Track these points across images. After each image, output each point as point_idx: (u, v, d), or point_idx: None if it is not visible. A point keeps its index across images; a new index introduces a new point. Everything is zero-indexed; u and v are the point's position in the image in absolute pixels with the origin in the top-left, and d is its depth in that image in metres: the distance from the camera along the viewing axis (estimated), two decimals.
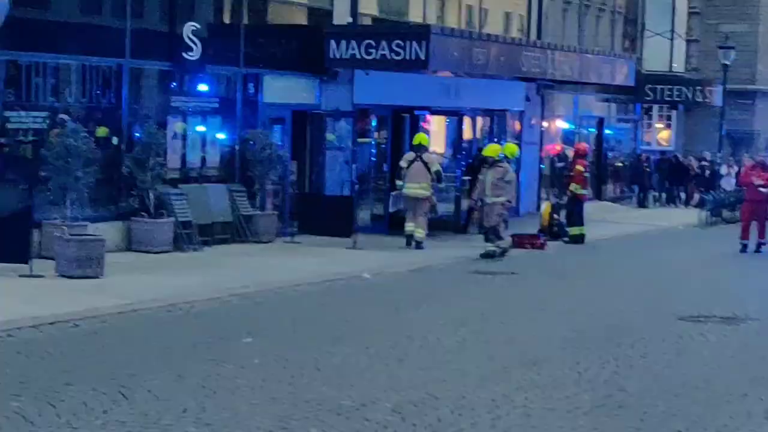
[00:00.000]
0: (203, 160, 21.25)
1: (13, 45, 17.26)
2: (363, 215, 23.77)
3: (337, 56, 22.67)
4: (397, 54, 22.14)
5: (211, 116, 21.35)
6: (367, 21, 25.36)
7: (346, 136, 24.26)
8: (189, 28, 19.77)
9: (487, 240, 21.53)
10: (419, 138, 22.72)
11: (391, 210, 23.29)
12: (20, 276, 15.46)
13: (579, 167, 25.26)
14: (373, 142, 25.61)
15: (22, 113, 17.75)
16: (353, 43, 22.49)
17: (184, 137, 20.68)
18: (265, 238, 21.15)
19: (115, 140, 19.28)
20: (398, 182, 22.16)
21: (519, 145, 30.72)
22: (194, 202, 20.05)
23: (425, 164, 21.95)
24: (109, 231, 18.01)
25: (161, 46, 19.94)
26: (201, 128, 21.12)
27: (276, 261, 19.21)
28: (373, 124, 25.51)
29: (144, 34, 19.69)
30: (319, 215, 21.98)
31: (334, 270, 18.23)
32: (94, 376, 10.10)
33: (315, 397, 9.66)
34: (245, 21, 22.02)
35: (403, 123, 25.92)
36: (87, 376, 10.13)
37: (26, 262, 15.58)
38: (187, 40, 19.75)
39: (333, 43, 22.62)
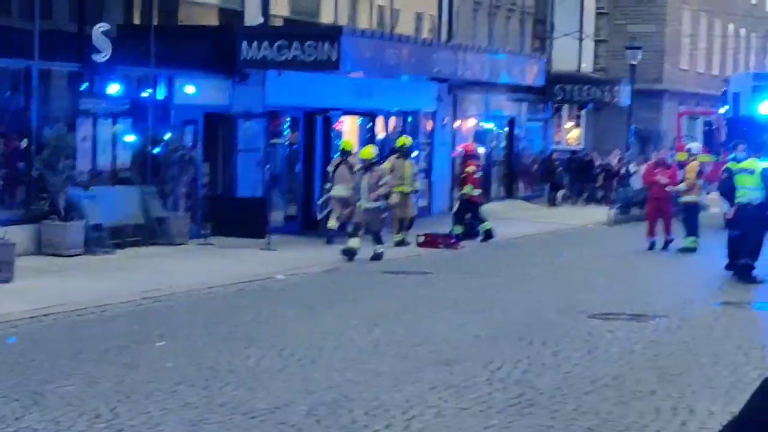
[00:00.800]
0: (114, 162, 21.08)
1: None
2: (276, 216, 23.75)
3: (249, 57, 22.59)
4: (309, 55, 22.15)
5: (122, 118, 21.19)
6: (279, 22, 25.32)
7: (259, 137, 24.20)
8: (99, 29, 19.59)
9: (351, 236, 20.71)
10: (344, 144, 23.45)
11: (320, 215, 23.47)
12: None
13: (470, 168, 25.28)
14: (285, 144, 25.59)
15: None
16: (265, 43, 22.44)
17: (95, 139, 20.51)
18: (178, 240, 21.04)
19: (24, 142, 19.05)
20: (327, 185, 22.86)
21: (431, 145, 31.02)
22: (106, 205, 19.88)
23: (350, 168, 22.19)
24: (19, 234, 17.79)
25: (70, 47, 19.75)
26: (112, 130, 20.94)
27: (189, 263, 19.13)
28: (286, 125, 25.49)
29: (53, 36, 19.49)
30: (232, 217, 21.92)
31: (248, 271, 18.20)
32: (5, 383, 9.99)
33: (229, 401, 9.66)
34: (156, 22, 21.88)
35: (315, 124, 25.94)
36: None
37: None
38: (96, 42, 19.56)
39: (244, 43, 22.54)
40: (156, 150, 21.50)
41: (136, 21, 22.05)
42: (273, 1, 24.61)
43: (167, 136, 21.53)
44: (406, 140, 24.12)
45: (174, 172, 21.49)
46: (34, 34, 19.03)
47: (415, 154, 24.73)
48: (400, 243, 22.76)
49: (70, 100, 20.32)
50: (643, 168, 36.57)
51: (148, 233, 20.87)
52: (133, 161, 21.47)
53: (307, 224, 25.28)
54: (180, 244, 21.00)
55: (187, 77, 22.28)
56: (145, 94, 21.66)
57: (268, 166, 24.07)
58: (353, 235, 20.77)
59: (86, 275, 16.96)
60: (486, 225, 24.88)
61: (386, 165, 22.60)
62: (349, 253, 20.40)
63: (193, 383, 10.28)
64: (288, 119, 25.46)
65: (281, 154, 25.38)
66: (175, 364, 11.05)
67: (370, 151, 21.77)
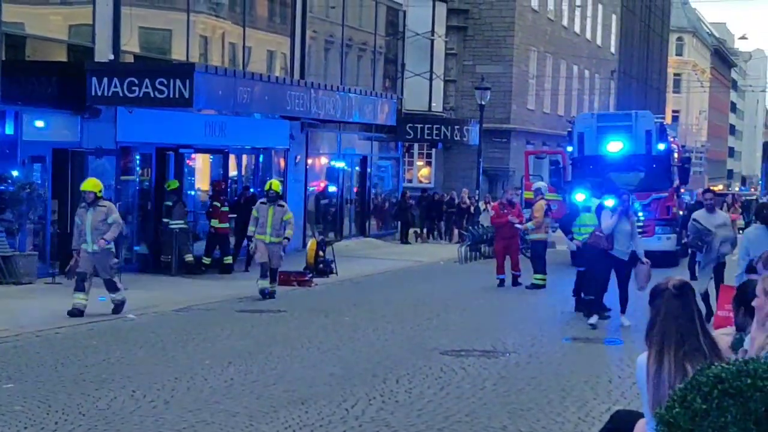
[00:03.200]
0: None
1: None
2: (126, 254, 23.45)
3: (99, 93, 22.35)
4: (161, 92, 22.02)
5: None
6: (130, 58, 25.10)
7: (110, 173, 23.89)
8: None
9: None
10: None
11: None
12: None
13: (217, 203, 25.95)
14: (137, 180, 25.33)
15: None
16: (115, 80, 22.23)
17: None
18: (25, 279, 20.64)
19: None
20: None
21: (283, 182, 31.01)
22: None
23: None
24: None
25: None
26: None
27: (37, 302, 18.75)
28: (137, 161, 25.24)
29: None
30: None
31: (98, 310, 17.91)
32: None
33: None
34: (2, 57, 21.47)
35: (167, 161, 25.75)
36: None
37: None
38: None
39: (94, 80, 22.30)
40: (2, 187, 21.04)
41: None
42: (123, 38, 24.38)
43: (15, 173, 21.10)
44: (273, 184, 21.82)
45: (22, 210, 21.07)
46: None
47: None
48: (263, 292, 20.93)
49: None
50: (490, 207, 37.33)
51: None
52: None
53: (157, 262, 25.02)
54: (27, 283, 20.60)
55: (35, 113, 21.90)
56: None
57: (118, 203, 23.74)
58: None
59: None
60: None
61: (253, 212, 21.29)
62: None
63: (42, 426, 10.07)
64: (139, 156, 25.22)
65: (132, 191, 25.10)
66: (24, 407, 10.82)
67: (93, 183, 18.00)
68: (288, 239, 21.66)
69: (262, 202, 21.57)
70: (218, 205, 25.94)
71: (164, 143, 25.24)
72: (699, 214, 18.53)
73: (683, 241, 25.68)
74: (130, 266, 23.15)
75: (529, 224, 24.32)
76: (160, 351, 14.71)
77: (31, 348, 14.68)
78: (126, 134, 23.98)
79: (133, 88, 22.25)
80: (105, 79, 22.31)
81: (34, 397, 11.33)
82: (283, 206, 21.43)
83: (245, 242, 23.74)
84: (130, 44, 25.17)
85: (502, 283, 24.27)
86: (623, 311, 17.92)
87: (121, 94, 22.32)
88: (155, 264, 24.92)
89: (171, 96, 22.12)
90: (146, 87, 22.15)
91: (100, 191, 17.77)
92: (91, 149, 23.25)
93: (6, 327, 15.83)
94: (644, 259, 17.79)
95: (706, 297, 16.83)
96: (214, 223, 25.74)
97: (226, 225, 26.05)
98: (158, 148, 25.39)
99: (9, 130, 21.48)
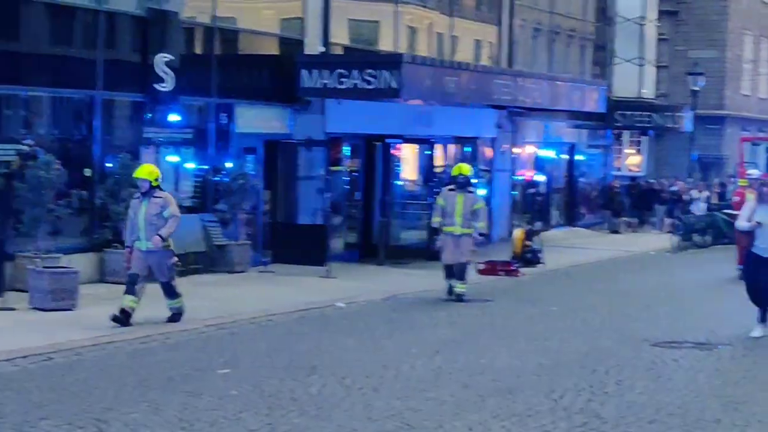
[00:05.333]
0: (176, 190, 21.24)
1: None
2: (336, 244, 23.81)
3: (309, 86, 22.76)
4: (369, 83, 22.25)
5: (184, 147, 21.38)
6: (339, 50, 25.45)
7: (319, 164, 24.30)
8: (161, 59, 19.79)
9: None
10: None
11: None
12: None
13: None
14: (345, 171, 25.68)
15: None
16: (325, 72, 22.58)
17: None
18: (238, 268, 21.15)
19: (87, 172, 19.25)
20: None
21: (490, 172, 30.97)
22: None
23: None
24: (82, 262, 17.97)
25: (134, 77, 19.95)
26: (174, 159, 21.13)
27: (250, 291, 19.22)
28: (346, 152, 25.58)
29: (116, 66, 19.70)
30: (293, 244, 21.99)
31: (308, 299, 18.25)
32: (69, 410, 10.07)
33: (292, 429, 9.66)
34: (217, 51, 22.07)
35: (375, 151, 26.01)
36: (62, 410, 10.10)
37: (0, 296, 15.52)
38: (159, 72, 19.76)
39: (305, 72, 22.71)
40: (217, 178, 21.65)
41: (198, 51, 22.25)
42: (333, 30, 24.74)
43: (228, 164, 21.67)
44: (462, 168, 19.79)
45: (235, 200, 21.62)
46: (97, 65, 19.27)
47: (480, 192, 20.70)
48: (453, 293, 19.07)
49: (133, 130, 20.53)
50: (705, 194, 36.30)
51: (209, 261, 21.01)
52: (194, 189, 21.62)
53: (366, 251, 25.32)
54: (240, 272, 21.11)
55: (248, 106, 22.45)
56: (207, 123, 21.84)
57: (328, 193, 24.15)
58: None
59: (148, 303, 17.04)
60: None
61: (438, 200, 19.43)
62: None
63: (256, 411, 10.30)
64: (348, 146, 25.55)
65: (341, 181, 25.47)
66: (239, 392, 11.08)
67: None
68: (482, 234, 19.66)
69: (450, 189, 19.33)
70: None
71: (371, 133, 25.49)
72: None
73: None
74: (339, 256, 23.49)
75: None
76: (368, 339, 14.87)
77: (245, 335, 15.04)
78: (335, 125, 24.33)
79: (342, 79, 22.55)
80: (315, 71, 22.70)
81: (248, 382, 11.60)
82: (472, 192, 19.42)
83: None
84: (339, 36, 25.52)
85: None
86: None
87: (330, 86, 22.67)
88: (365, 253, 25.22)
89: (379, 87, 22.32)
90: (355, 78, 22.42)
91: (157, 179, 15.25)
92: (301, 140, 23.68)
93: (221, 314, 16.27)
94: None
95: None
96: None
97: None
98: (366, 138, 25.67)
99: (224, 122, 22.07)
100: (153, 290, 15.37)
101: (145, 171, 15.31)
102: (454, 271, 19.02)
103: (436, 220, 19.24)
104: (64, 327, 14.41)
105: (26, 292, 16.17)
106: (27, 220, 17.13)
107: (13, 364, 12.20)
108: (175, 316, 15.45)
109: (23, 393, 10.85)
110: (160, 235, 15.00)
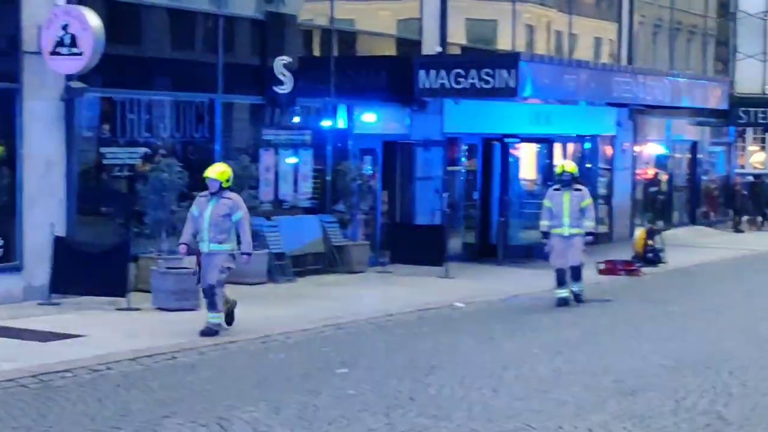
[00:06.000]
0: (295, 191, 21.43)
1: (108, 82, 17.61)
2: (454, 244, 23.78)
3: (427, 86, 22.78)
4: (487, 82, 22.18)
5: (302, 148, 21.54)
6: (456, 50, 25.42)
7: (436, 164, 24.30)
8: (280, 62, 19.98)
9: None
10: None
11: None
12: (117, 309, 15.72)
13: None
14: (463, 170, 25.64)
15: (118, 149, 18.08)
16: (442, 72, 22.58)
17: (276, 169, 20.90)
18: (357, 268, 21.25)
19: None
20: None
21: (611, 170, 30.60)
22: (287, 234, 20.22)
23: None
24: None
25: (252, 80, 20.17)
26: (293, 160, 21.32)
27: (368, 291, 19.30)
28: (463, 152, 25.54)
29: (236, 69, 19.95)
30: (411, 244, 21.99)
31: (427, 299, 18.25)
32: (192, 409, 10.21)
33: (411, 428, 9.66)
34: (335, 53, 22.21)
35: (493, 151, 25.92)
36: (185, 408, 10.25)
37: (123, 296, 15.83)
38: (278, 74, 19.96)
39: (422, 73, 22.75)
40: (336, 179, 21.77)
41: (316, 53, 22.42)
42: (450, 30, 24.71)
43: (347, 165, 21.79)
44: (567, 166, 18.85)
45: (353, 201, 21.74)
46: (217, 68, 19.52)
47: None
48: (566, 299, 18.28)
49: (252, 132, 20.76)
50: None
51: (328, 261, 21.14)
52: (313, 190, 21.79)
53: (484, 251, 25.24)
54: (359, 272, 21.20)
55: (366, 107, 22.53)
56: (325, 124, 21.99)
57: (446, 193, 24.13)
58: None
59: (269, 303, 17.26)
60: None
61: (545, 202, 18.48)
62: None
63: (375, 410, 10.32)
64: (465, 146, 25.50)
65: (458, 181, 25.43)
66: (357, 392, 11.12)
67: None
68: (591, 234, 18.58)
69: (555, 188, 18.48)
70: None
71: (489, 133, 25.41)
72: None
73: None
74: (457, 256, 23.47)
75: None
76: (487, 339, 14.81)
77: (364, 334, 15.10)
78: (452, 125, 24.31)
79: (460, 79, 22.52)
80: (432, 72, 22.71)
81: (366, 381, 11.63)
82: (580, 190, 18.33)
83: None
84: (457, 36, 25.48)
85: None
86: None
87: (447, 86, 22.65)
88: (482, 253, 25.15)
89: (497, 86, 22.23)
90: (472, 78, 22.37)
91: (228, 180, 14.42)
92: (419, 141, 23.70)
93: (340, 314, 16.35)
94: None
95: None
96: None
97: None
98: (484, 138, 25.59)
99: (342, 123, 22.20)
100: (262, 290, 15.51)
101: (216, 171, 14.46)
102: (570, 274, 18.28)
103: (544, 224, 18.37)
104: (187, 327, 14.62)
105: (149, 292, 16.46)
106: (150, 222, 17.45)
107: (138, 363, 12.42)
108: (209, 331, 14.15)
109: (148, 392, 11.04)
110: (248, 253, 14.41)
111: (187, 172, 17.85)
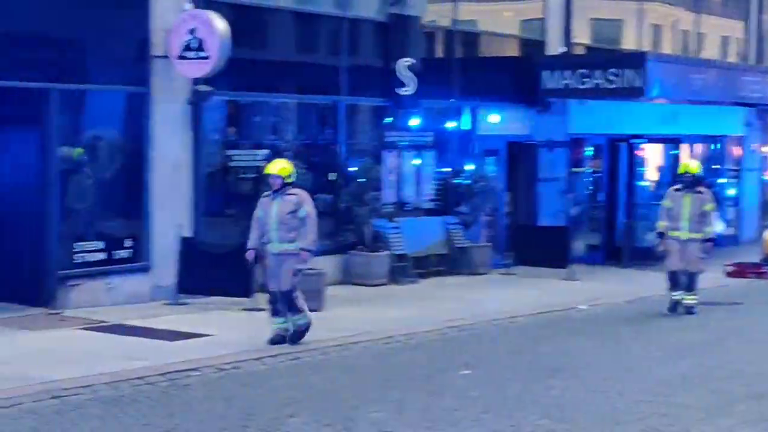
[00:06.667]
0: (418, 193, 21.47)
1: (234, 85, 17.86)
2: (578, 245, 23.57)
3: (551, 86, 22.64)
4: (612, 82, 21.94)
5: (425, 150, 21.56)
6: (580, 50, 25.20)
7: (560, 165, 24.12)
8: (403, 64, 20.03)
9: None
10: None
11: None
12: (243, 309, 15.92)
13: None
14: (588, 172, 25.40)
15: (243, 151, 18.31)
16: (567, 72, 22.41)
17: (399, 171, 20.97)
18: (480, 270, 21.20)
19: (332, 176, 19.67)
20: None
21: (739, 171, 30.01)
22: (410, 235, 20.26)
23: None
24: (328, 264, 18.34)
25: (376, 82, 20.26)
26: (415, 162, 21.36)
27: (491, 292, 19.24)
28: (588, 153, 25.30)
29: (359, 71, 20.06)
30: (534, 246, 21.85)
31: (550, 301, 18.13)
32: (316, 408, 10.30)
33: (534, 430, 9.61)
34: (458, 54, 22.18)
35: (618, 152, 25.63)
36: (310, 408, 10.34)
37: (248, 296, 16.01)
38: (401, 76, 20.01)
39: (546, 73, 22.60)
40: (459, 180, 21.76)
41: (439, 54, 22.42)
42: (574, 30, 24.51)
43: (470, 166, 21.74)
44: (689, 166, 18.02)
45: (476, 202, 21.69)
46: (341, 71, 19.65)
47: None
48: (677, 308, 17.53)
49: (375, 134, 20.85)
50: None
51: (451, 263, 21.12)
52: (436, 192, 21.80)
53: (609, 253, 24.98)
54: (482, 274, 21.14)
55: (489, 108, 22.47)
56: (448, 126, 21.99)
57: (570, 194, 23.92)
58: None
59: (391, 304, 17.31)
60: None
61: (664, 202, 17.78)
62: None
63: (498, 412, 10.28)
64: (590, 147, 25.26)
65: (583, 182, 25.19)
66: (480, 393, 11.09)
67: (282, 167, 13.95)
68: (710, 240, 17.52)
69: (675, 189, 17.68)
70: None
71: (614, 134, 25.13)
72: None
73: None
74: (582, 257, 23.26)
75: None
76: (611, 342, 14.65)
77: (487, 336, 15.05)
78: (577, 126, 24.10)
79: (584, 79, 22.33)
80: (556, 72, 22.56)
81: (489, 383, 11.60)
82: (702, 193, 17.46)
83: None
84: (581, 36, 25.27)
85: None
86: None
87: (572, 86, 22.48)
88: (608, 255, 24.89)
89: (622, 86, 21.98)
90: (597, 78, 22.16)
91: (290, 176, 13.62)
92: (543, 142, 23.56)
93: (463, 316, 16.32)
94: None
95: None
96: None
97: None
98: (609, 138, 25.32)
99: (465, 125, 22.18)
100: (384, 291, 15.46)
101: (277, 167, 13.65)
102: (682, 281, 17.50)
103: (661, 224, 17.52)
104: (311, 327, 14.73)
105: None
106: None
107: (262, 363, 12.56)
108: (295, 336, 13.58)
109: (273, 391, 11.16)
110: (308, 249, 13.44)
111: (310, 174, 17.99)
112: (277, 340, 13.50)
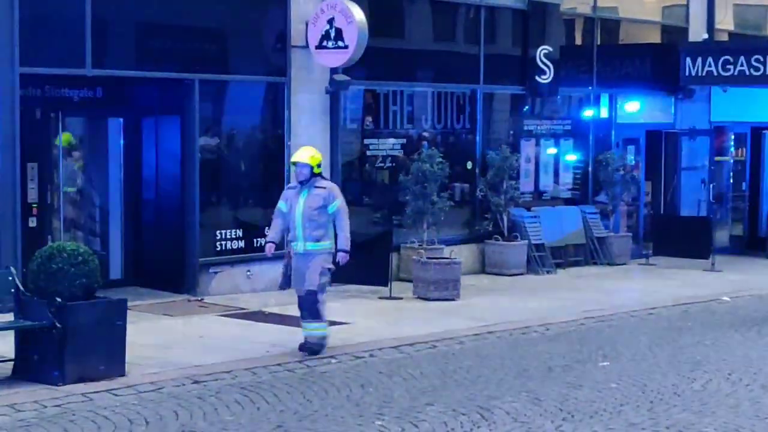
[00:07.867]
0: (556, 182, 21.29)
1: (371, 75, 17.93)
2: (721, 236, 23.11)
3: (693, 74, 22.24)
4: (757, 69, 21.45)
5: (563, 138, 21.37)
6: (723, 36, 24.66)
7: (702, 154, 23.67)
8: (541, 52, 19.87)
9: None
10: None
11: None
12: (380, 298, 16.01)
13: None
14: (730, 161, 24.88)
15: (380, 140, 18.39)
16: (709, 59, 21.99)
17: (537, 160, 20.83)
18: (618, 260, 20.93)
19: (469, 164, 19.63)
20: None
21: None
22: (547, 225, 20.10)
23: None
24: (464, 253, 18.34)
25: (514, 70, 20.14)
26: (553, 150, 21.17)
27: (631, 283, 19.01)
28: (731, 141, 24.77)
29: (497, 60, 19.95)
30: (675, 236, 21.47)
31: (691, 293, 17.81)
32: (453, 397, 10.29)
33: (675, 424, 9.44)
34: (597, 42, 21.91)
35: (763, 140, 25.03)
36: (447, 396, 10.33)
37: (386, 285, 16.09)
38: (539, 64, 19.86)
39: (688, 60, 22.22)
40: (597, 169, 21.50)
41: (578, 42, 22.17)
42: (718, 16, 24.01)
43: (609, 155, 21.47)
44: None
45: (616, 192, 21.41)
46: (479, 59, 19.57)
47: None
48: None
49: (512, 122, 20.73)
50: None
51: (589, 253, 20.91)
52: (574, 181, 21.59)
53: (752, 244, 24.43)
54: (621, 264, 20.88)
55: (629, 96, 22.17)
56: (586, 114, 21.74)
57: (712, 184, 23.47)
58: None
59: (528, 294, 17.21)
60: None
61: None
62: None
63: (637, 404, 10.14)
64: (733, 135, 24.73)
65: (726, 172, 24.68)
66: (619, 385, 10.95)
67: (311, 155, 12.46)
68: None
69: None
70: None
71: (759, 122, 24.55)
72: None
73: None
74: (724, 248, 22.82)
75: None
76: (756, 334, 14.32)
77: (626, 328, 14.84)
78: (720, 114, 23.64)
79: (728, 66, 21.89)
80: (699, 59, 22.16)
81: (629, 375, 11.44)
82: None
83: None
84: (724, 22, 24.72)
85: None
86: None
87: (715, 74, 22.05)
88: (751, 245, 24.35)
89: (767, 73, 21.47)
90: (741, 65, 21.71)
91: (319, 165, 12.22)
92: (685, 130, 23.16)
93: (602, 307, 16.14)
94: None
95: None
96: None
97: None
98: (753, 127, 24.76)
99: (604, 113, 21.91)
100: (521, 280, 15.35)
101: (307, 155, 12.16)
102: None
103: None
104: (448, 316, 14.75)
105: (410, 282, 16.68)
106: (411, 213, 17.65)
107: (399, 351, 12.59)
108: (314, 347, 12.09)
109: (410, 379, 11.17)
110: (345, 250, 12.18)
111: (447, 162, 17.97)
112: (305, 347, 12.13)
